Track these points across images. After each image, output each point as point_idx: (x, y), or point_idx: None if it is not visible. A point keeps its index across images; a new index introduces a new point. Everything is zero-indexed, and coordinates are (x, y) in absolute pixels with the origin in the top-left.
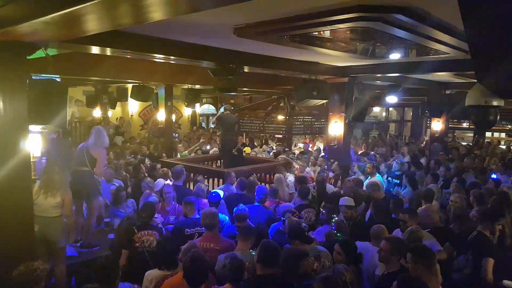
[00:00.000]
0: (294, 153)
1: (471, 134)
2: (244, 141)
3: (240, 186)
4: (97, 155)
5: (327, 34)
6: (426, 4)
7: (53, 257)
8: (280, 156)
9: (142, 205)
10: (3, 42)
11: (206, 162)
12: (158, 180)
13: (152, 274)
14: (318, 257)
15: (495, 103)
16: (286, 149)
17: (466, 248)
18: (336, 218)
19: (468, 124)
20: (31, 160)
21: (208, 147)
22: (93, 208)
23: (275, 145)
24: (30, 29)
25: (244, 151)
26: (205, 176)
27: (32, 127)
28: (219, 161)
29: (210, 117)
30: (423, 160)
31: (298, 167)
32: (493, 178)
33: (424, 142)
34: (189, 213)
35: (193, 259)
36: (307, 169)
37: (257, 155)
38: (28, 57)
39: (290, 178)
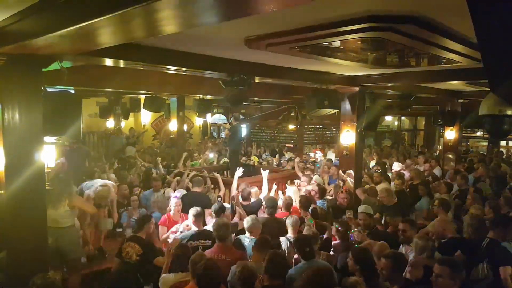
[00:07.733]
0: (304, 163)
1: (486, 143)
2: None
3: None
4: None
5: (338, 44)
6: (437, 14)
7: (67, 268)
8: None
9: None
10: (20, 55)
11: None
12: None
13: (167, 278)
14: None
15: (509, 112)
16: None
17: (480, 257)
18: (354, 230)
19: (482, 133)
20: (46, 171)
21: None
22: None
23: (286, 154)
24: (46, 43)
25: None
26: (213, 186)
27: (46, 138)
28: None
29: (221, 127)
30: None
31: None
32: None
33: (438, 152)
34: (194, 224)
35: (207, 268)
36: (315, 177)
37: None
38: (43, 70)
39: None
